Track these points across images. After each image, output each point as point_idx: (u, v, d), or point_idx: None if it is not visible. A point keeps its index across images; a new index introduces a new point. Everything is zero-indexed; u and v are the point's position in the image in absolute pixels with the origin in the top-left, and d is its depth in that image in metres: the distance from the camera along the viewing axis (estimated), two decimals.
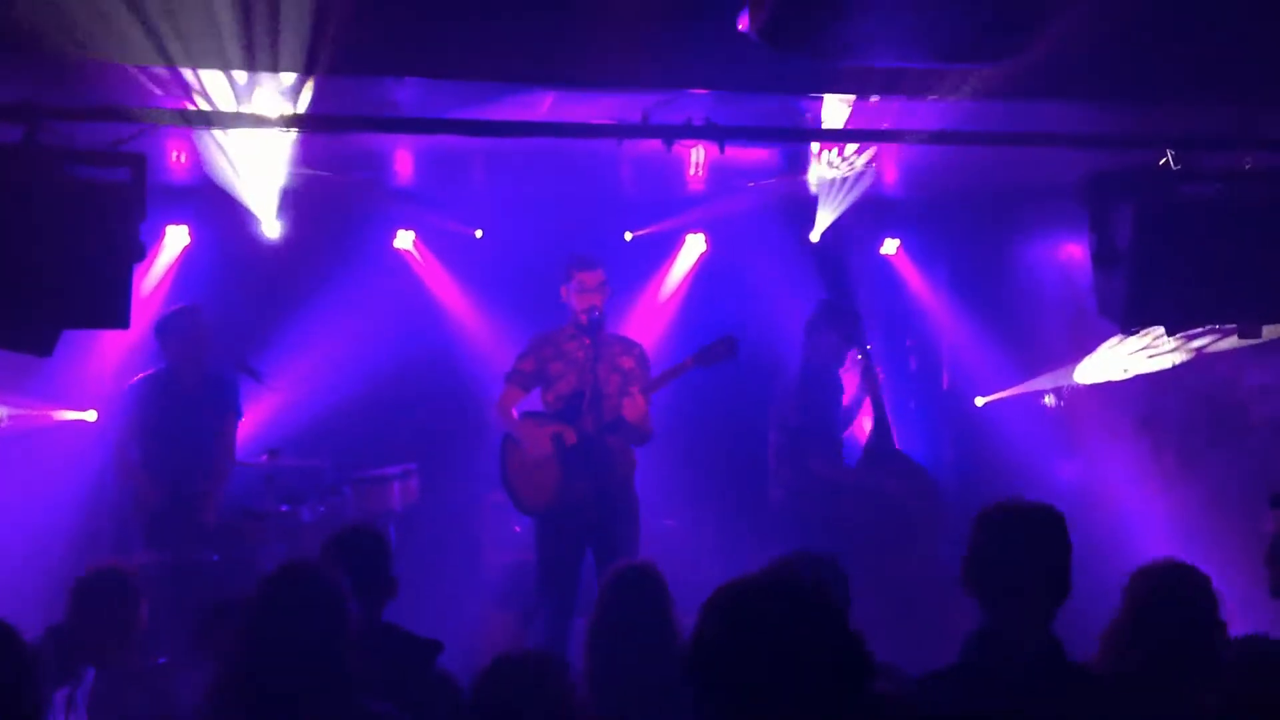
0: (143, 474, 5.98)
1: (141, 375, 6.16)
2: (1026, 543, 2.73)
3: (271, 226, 6.48)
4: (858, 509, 5.99)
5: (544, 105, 4.86)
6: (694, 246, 7.69)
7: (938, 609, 5.42)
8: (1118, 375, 6.55)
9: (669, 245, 7.72)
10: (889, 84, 4.14)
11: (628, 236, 7.55)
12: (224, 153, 5.30)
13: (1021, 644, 2.68)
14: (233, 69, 3.91)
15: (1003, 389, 7.57)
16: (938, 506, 6.13)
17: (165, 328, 6.09)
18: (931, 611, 5.42)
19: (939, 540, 5.98)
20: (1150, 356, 6.35)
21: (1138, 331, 4.57)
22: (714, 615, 1.95)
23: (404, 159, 6.33)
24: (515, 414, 5.60)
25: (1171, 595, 2.98)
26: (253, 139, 5.13)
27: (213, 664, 3.59)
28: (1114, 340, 6.49)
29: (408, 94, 4.73)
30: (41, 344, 3.93)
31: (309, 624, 2.70)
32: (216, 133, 4.89)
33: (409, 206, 7.12)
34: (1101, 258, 4.50)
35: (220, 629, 3.75)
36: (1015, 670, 2.66)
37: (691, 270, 7.75)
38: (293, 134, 4.87)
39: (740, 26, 3.07)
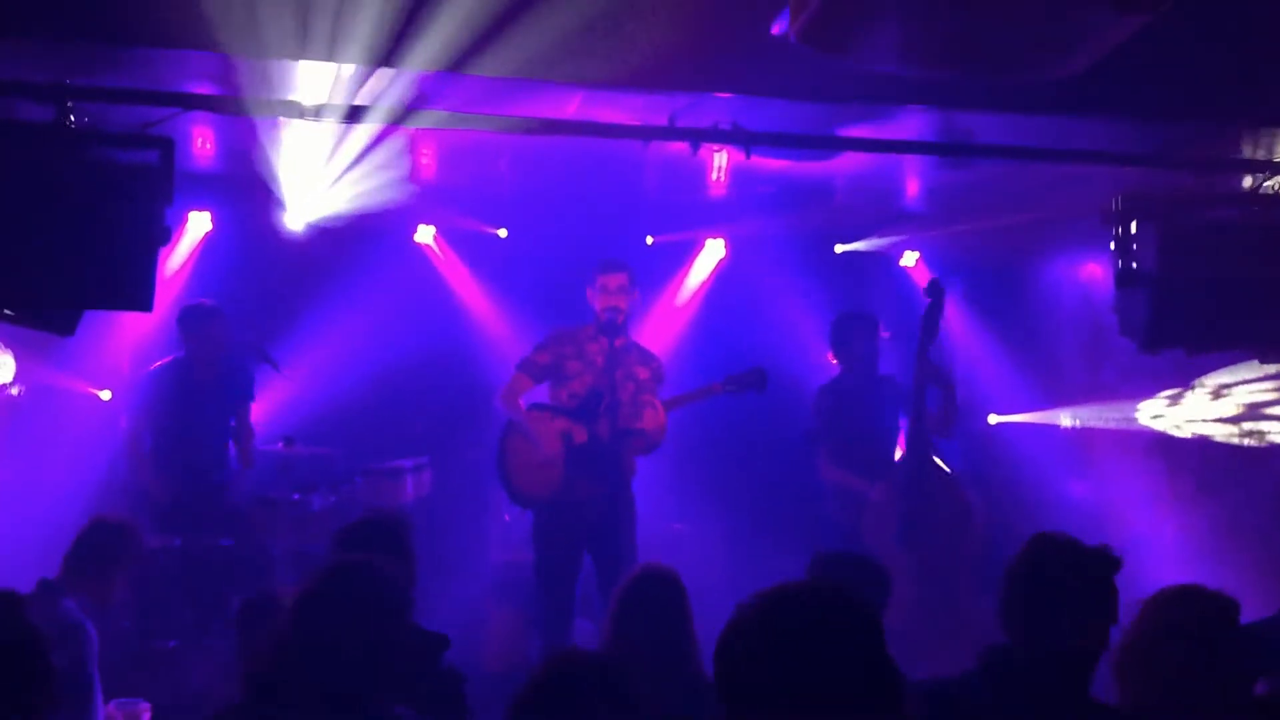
0: (151, 463, 6.01)
1: (159, 363, 6.19)
2: (1068, 575, 2.70)
3: (297, 219, 6.49)
4: (876, 523, 5.85)
5: (571, 105, 4.86)
6: (714, 251, 7.70)
7: (955, 641, 5.35)
8: (1173, 430, 6.38)
9: (689, 250, 7.73)
10: (926, 94, 4.13)
11: (649, 241, 7.56)
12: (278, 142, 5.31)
13: (1037, 668, 2.65)
14: (268, 56, 3.92)
15: (1017, 407, 7.54)
16: (966, 530, 5.87)
17: (186, 322, 6.12)
18: (947, 643, 5.34)
19: (966, 567, 5.80)
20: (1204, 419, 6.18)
21: (1158, 352, 4.54)
22: (740, 628, 1.89)
23: (427, 154, 6.33)
24: (523, 405, 5.61)
25: (1194, 624, 2.87)
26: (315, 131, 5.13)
27: (242, 651, 3.54)
28: (1168, 395, 6.33)
29: (435, 89, 4.74)
30: (64, 323, 3.96)
31: (365, 626, 2.58)
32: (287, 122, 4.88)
33: (430, 202, 7.14)
34: (1124, 278, 4.50)
35: (263, 620, 3.69)
36: (1024, 692, 2.63)
37: (711, 275, 7.75)
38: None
39: (775, 30, 3.07)
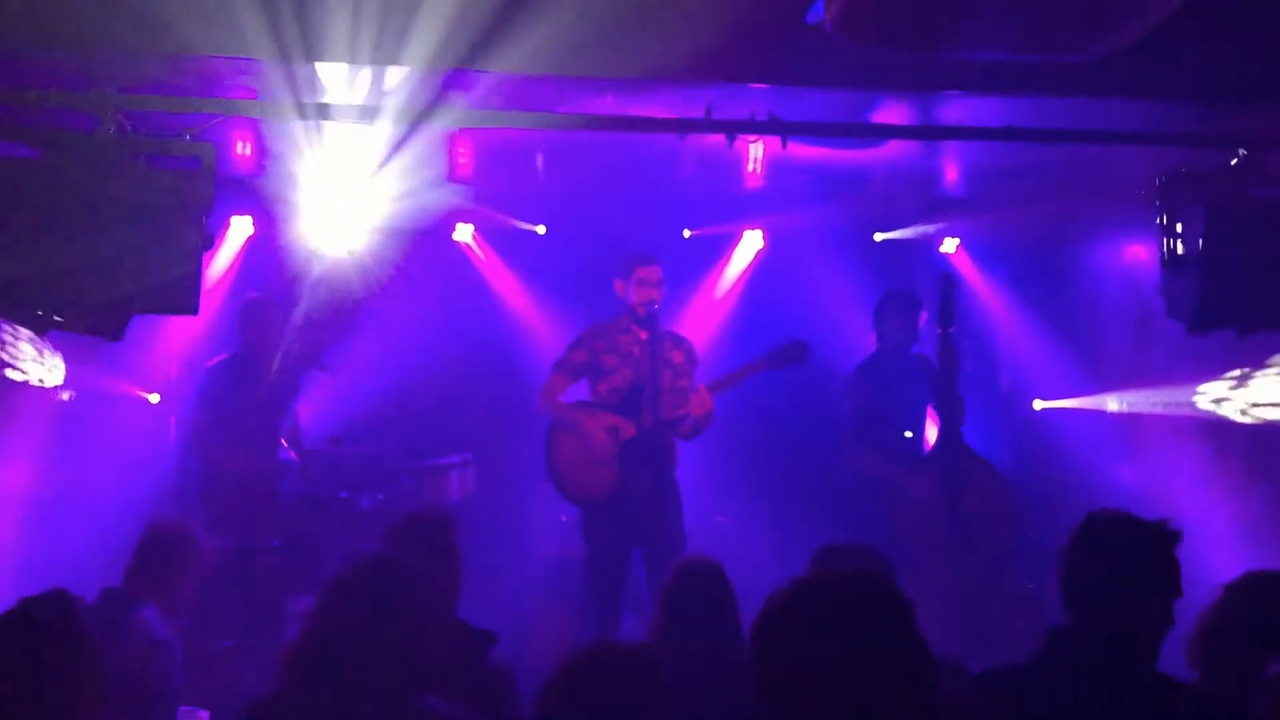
0: (216, 454, 6.03)
1: (218, 359, 6.23)
2: (1128, 553, 2.67)
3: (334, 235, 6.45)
4: (907, 511, 5.79)
5: (606, 101, 4.86)
6: (751, 243, 7.67)
7: (997, 628, 5.29)
8: (1234, 415, 6.24)
9: (727, 242, 7.71)
10: (962, 79, 4.09)
11: (686, 234, 7.55)
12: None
13: (1102, 646, 2.62)
14: (301, 61, 3.95)
15: (1062, 392, 7.45)
16: (1010, 515, 5.81)
17: (249, 314, 6.17)
18: (989, 631, 5.28)
19: (1010, 552, 5.71)
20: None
21: (1208, 334, 4.47)
22: (775, 615, 1.92)
23: (464, 151, 6.35)
24: (565, 404, 5.63)
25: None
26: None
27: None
28: (1233, 376, 6.19)
29: (469, 86, 4.76)
30: (113, 329, 4.01)
31: (389, 619, 2.62)
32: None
33: (468, 200, 7.16)
34: (1171, 259, 4.44)
35: None
36: (1090, 671, 2.61)
37: (749, 267, 7.73)
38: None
39: (810, 19, 3.05)
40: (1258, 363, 6.04)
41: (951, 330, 5.63)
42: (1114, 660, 2.61)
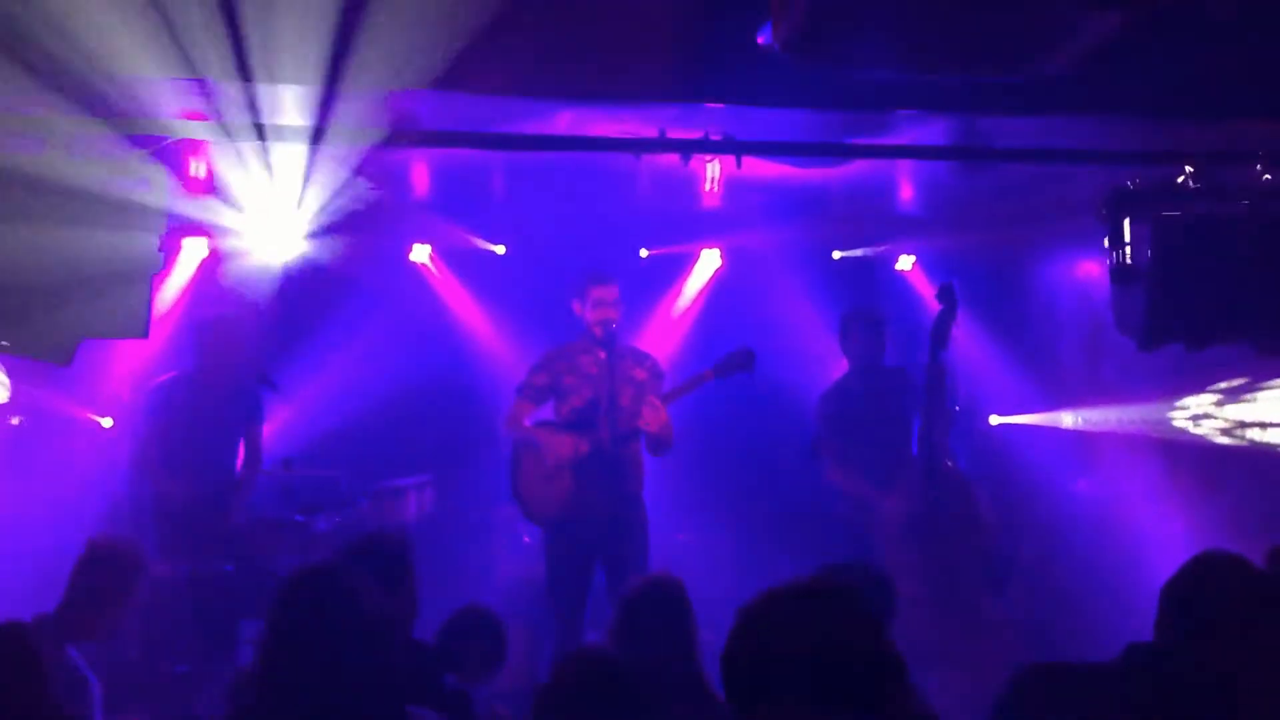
0: (164, 474, 5.94)
1: (168, 375, 6.12)
2: (1239, 598, 2.64)
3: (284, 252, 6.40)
4: (888, 524, 5.77)
5: (561, 121, 4.88)
6: (709, 262, 7.70)
7: (966, 640, 5.30)
8: (1211, 434, 6.28)
9: (684, 261, 7.74)
10: (911, 98, 4.14)
11: (644, 253, 7.56)
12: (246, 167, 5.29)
13: (1190, 676, 2.59)
14: (253, 80, 3.93)
15: (1018, 407, 7.52)
16: (979, 532, 5.65)
17: (208, 331, 6.07)
18: (959, 642, 5.29)
19: (976, 568, 5.69)
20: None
21: (1157, 349, 4.53)
22: (746, 621, 1.93)
23: (420, 173, 6.34)
24: (528, 425, 5.62)
25: None
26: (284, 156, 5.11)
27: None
28: (1212, 394, 6.23)
29: (426, 107, 4.75)
30: (62, 353, 3.97)
31: (328, 627, 2.54)
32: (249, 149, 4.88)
33: (425, 220, 7.14)
34: (1120, 274, 4.50)
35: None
36: (1170, 693, 2.57)
37: (707, 286, 7.75)
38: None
39: (761, 40, 3.08)
40: (1208, 376, 6.13)
41: (943, 347, 5.58)
42: (1198, 690, 2.57)
